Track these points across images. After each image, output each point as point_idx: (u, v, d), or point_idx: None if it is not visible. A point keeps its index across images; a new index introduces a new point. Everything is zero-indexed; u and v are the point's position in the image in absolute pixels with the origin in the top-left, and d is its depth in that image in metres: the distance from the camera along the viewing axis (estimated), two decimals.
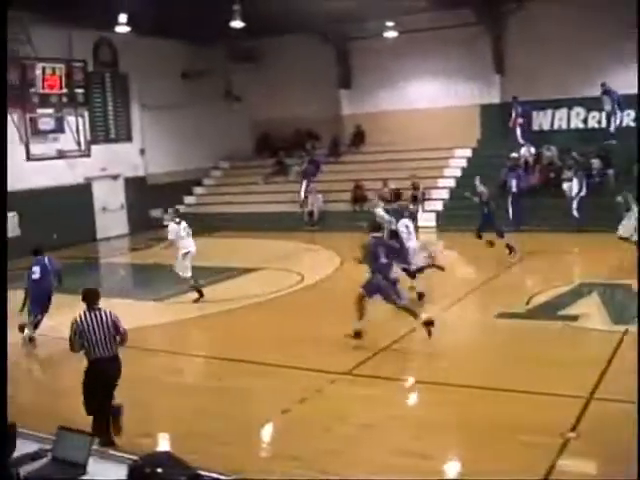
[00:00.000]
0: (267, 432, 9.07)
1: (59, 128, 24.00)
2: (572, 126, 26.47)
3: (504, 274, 17.26)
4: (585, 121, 26.24)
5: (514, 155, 24.74)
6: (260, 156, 32.12)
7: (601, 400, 8.99)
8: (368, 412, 9.20)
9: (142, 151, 28.76)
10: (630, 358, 9.55)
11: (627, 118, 25.03)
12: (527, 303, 14.08)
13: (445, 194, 25.90)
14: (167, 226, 17.00)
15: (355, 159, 29.44)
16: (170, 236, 16.37)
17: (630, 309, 12.59)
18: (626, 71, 23.51)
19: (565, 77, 25.17)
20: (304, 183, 27.57)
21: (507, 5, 26.27)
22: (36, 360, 13.13)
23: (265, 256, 21.17)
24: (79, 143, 23.27)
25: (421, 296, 14.77)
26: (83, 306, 8.51)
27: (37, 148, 22.64)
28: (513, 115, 26.30)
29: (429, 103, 28.49)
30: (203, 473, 4.61)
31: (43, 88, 22.35)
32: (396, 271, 13.09)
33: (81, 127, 23.32)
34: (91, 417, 8.19)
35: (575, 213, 21.81)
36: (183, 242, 16.26)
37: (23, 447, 5.12)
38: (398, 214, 15.81)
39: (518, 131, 26.23)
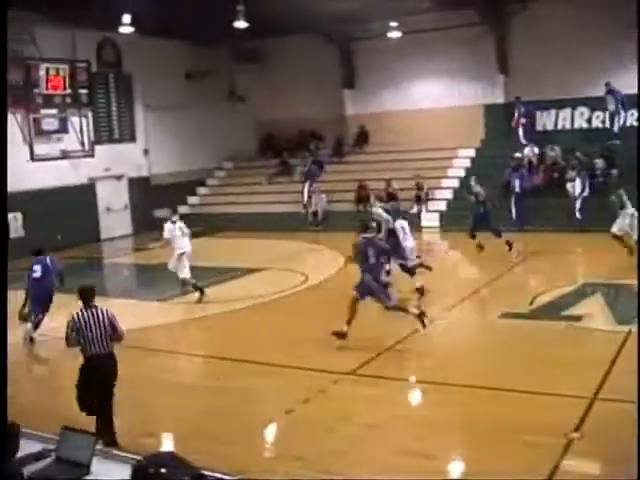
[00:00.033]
0: (271, 432, 9.07)
1: (63, 128, 24.03)
2: (576, 126, 26.44)
3: (507, 274, 17.24)
4: (589, 121, 26.20)
5: (517, 155, 24.74)
6: (264, 156, 32.13)
7: (605, 400, 8.98)
8: (372, 412, 9.20)
9: (146, 151, 28.78)
10: (634, 358, 9.52)
11: (631, 118, 25.02)
12: (531, 303, 14.06)
13: (449, 194, 25.88)
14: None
15: (359, 159, 29.42)
16: (165, 235, 16.54)
17: (634, 309, 12.56)
18: (629, 71, 23.47)
19: (569, 77, 25.14)
20: (307, 184, 27.56)
21: (511, 5, 26.25)
22: (39, 360, 13.16)
23: (269, 256, 21.17)
24: (83, 143, 23.34)
25: (421, 291, 14.88)
26: None
27: (41, 148, 22.69)
28: (516, 115, 26.31)
29: (433, 103, 28.48)
30: (207, 473, 4.61)
31: (47, 88, 22.43)
32: (391, 271, 13.26)
33: (85, 127, 23.38)
34: (93, 417, 8.26)
35: (577, 214, 21.75)
36: (178, 242, 16.38)
37: (27, 447, 5.12)
38: (397, 214, 15.87)
39: (520, 131, 26.23)
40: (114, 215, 27.16)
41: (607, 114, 25.21)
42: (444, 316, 13.95)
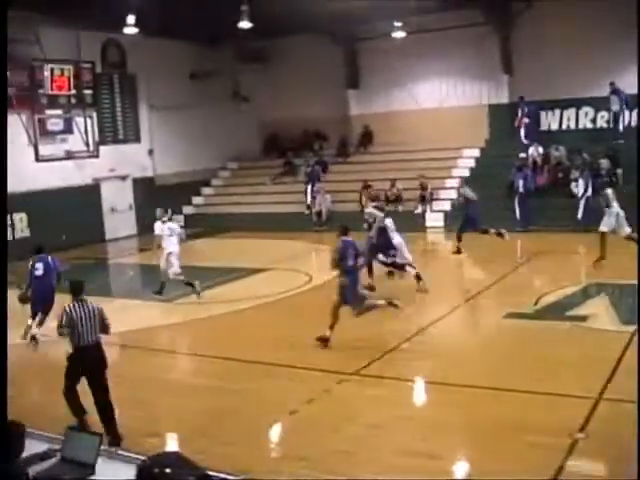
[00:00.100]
0: (275, 432, 9.07)
1: (67, 129, 24.08)
2: (580, 126, 26.42)
3: (512, 274, 17.21)
4: (594, 121, 26.17)
5: (522, 155, 24.76)
6: (268, 157, 32.16)
7: (610, 400, 8.97)
8: (376, 412, 9.20)
9: (150, 152, 28.82)
10: None
11: (636, 118, 24.96)
12: (535, 303, 14.04)
13: (453, 194, 25.78)
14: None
15: (363, 159, 29.42)
16: (156, 231, 16.74)
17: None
18: (629, 72, 23.44)
19: (573, 77, 25.11)
20: (310, 185, 27.56)
21: (515, 5, 26.23)
22: (43, 360, 13.15)
23: (273, 256, 21.18)
24: (87, 144, 23.38)
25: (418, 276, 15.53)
26: None
27: (46, 149, 22.75)
28: (519, 115, 26.30)
29: (437, 103, 28.50)
30: (212, 473, 4.62)
31: (52, 89, 22.48)
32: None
33: (89, 128, 23.43)
34: (98, 418, 8.44)
35: (580, 214, 21.67)
36: (166, 242, 16.49)
37: (32, 447, 5.13)
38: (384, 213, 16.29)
39: (522, 131, 26.22)
40: (119, 215, 27.20)
41: (611, 114, 25.17)
42: (449, 316, 13.94)
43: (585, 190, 22.05)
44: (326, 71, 29.62)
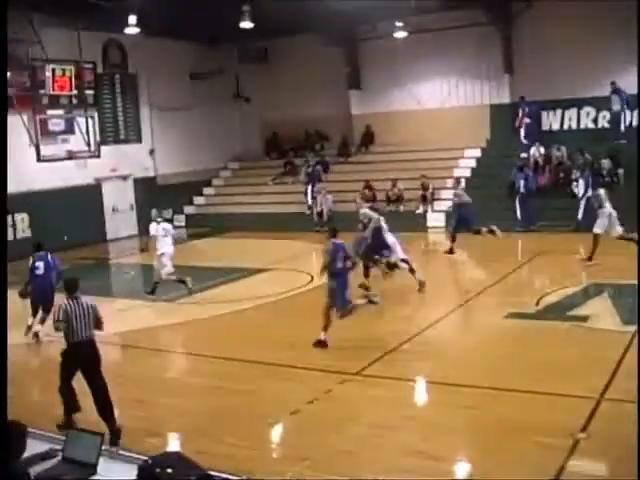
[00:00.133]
0: (277, 432, 9.07)
1: (69, 129, 24.09)
2: (582, 126, 26.38)
3: (513, 274, 17.21)
4: (595, 121, 26.14)
5: (524, 155, 24.77)
6: (269, 157, 32.17)
7: (611, 400, 8.97)
8: (378, 412, 9.20)
9: (152, 152, 28.83)
10: None
11: (637, 118, 24.94)
12: (537, 303, 14.04)
13: None
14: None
15: (364, 159, 29.41)
16: (151, 232, 16.90)
17: None
18: (633, 71, 23.41)
19: (575, 77, 25.09)
20: (310, 186, 27.56)
21: (516, 5, 26.23)
22: (45, 360, 13.16)
23: (275, 256, 21.18)
24: (89, 144, 23.36)
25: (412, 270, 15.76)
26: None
27: (47, 149, 22.73)
28: (520, 115, 26.29)
29: (439, 103, 28.48)
30: (213, 473, 4.62)
31: (53, 89, 22.47)
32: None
33: (91, 128, 23.41)
34: (99, 418, 8.49)
35: (580, 214, 21.60)
36: (159, 242, 16.60)
37: (33, 447, 5.13)
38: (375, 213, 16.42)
39: (522, 131, 26.20)
40: (120, 215, 27.20)
41: (612, 114, 25.12)
42: (450, 316, 13.94)
43: (585, 190, 21.99)
44: (327, 71, 29.59)
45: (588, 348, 11.32)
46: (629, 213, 17.79)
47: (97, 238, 25.83)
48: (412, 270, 15.83)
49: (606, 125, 25.70)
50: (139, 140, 28.54)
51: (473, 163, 26.85)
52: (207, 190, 31.42)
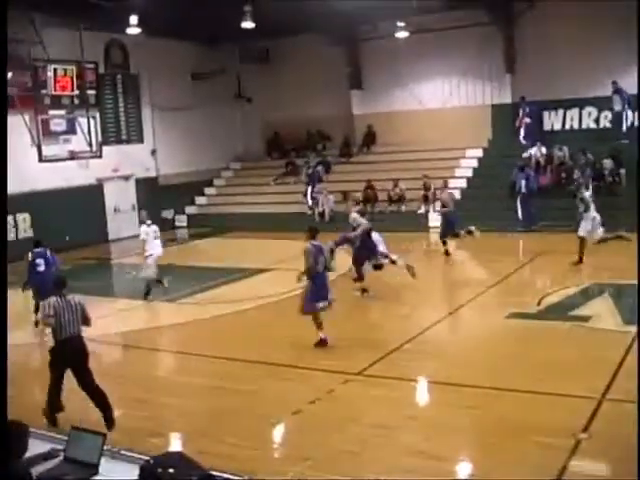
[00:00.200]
0: (279, 433, 9.07)
1: (71, 129, 24.08)
2: (584, 126, 26.37)
3: (515, 274, 17.21)
4: (597, 121, 26.13)
5: (525, 155, 24.78)
6: (271, 157, 32.17)
7: (613, 401, 8.97)
8: (380, 413, 9.20)
9: (153, 152, 28.84)
10: None
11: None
12: (538, 304, 14.04)
13: (456, 194, 25.80)
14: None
15: (366, 159, 29.42)
16: (141, 236, 16.94)
17: None
18: (634, 71, 23.41)
19: (576, 76, 25.08)
20: (310, 186, 27.57)
21: (518, 5, 26.23)
22: (44, 361, 13.14)
23: (277, 256, 21.17)
24: (90, 144, 23.35)
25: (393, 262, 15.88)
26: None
27: (49, 149, 22.73)
28: (520, 115, 26.28)
29: (440, 103, 28.49)
30: (215, 473, 4.62)
31: (55, 89, 22.45)
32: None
33: (92, 128, 23.40)
34: (99, 418, 8.60)
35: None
36: (149, 244, 16.71)
37: (35, 447, 5.14)
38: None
39: (522, 131, 26.19)
40: (122, 216, 27.20)
41: (614, 114, 25.11)
42: (451, 316, 13.94)
43: (585, 191, 21.96)
44: (329, 71, 29.60)
45: (589, 348, 11.32)
46: (631, 212, 17.80)
47: (99, 238, 25.83)
48: (393, 262, 15.95)
49: (608, 125, 25.70)
50: (141, 140, 28.55)
51: (475, 163, 26.86)
52: (209, 190, 31.44)
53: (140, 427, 8.88)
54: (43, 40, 21.77)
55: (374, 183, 26.55)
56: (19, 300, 14.27)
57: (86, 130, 23.25)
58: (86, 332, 9.29)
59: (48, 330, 9.47)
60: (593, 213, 17.36)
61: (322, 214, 26.61)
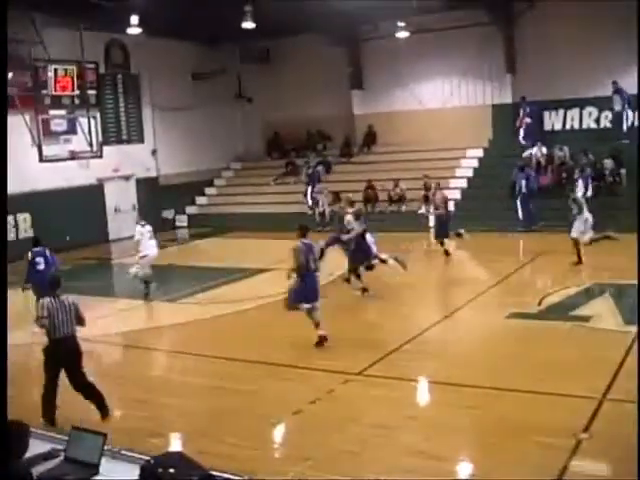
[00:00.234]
0: (279, 432, 9.07)
1: (71, 129, 24.08)
2: (584, 126, 26.37)
3: (515, 275, 17.22)
4: (597, 121, 26.12)
5: (526, 154, 24.80)
6: (271, 157, 32.17)
7: (614, 401, 8.97)
8: (380, 413, 9.20)
9: (154, 152, 28.84)
10: None
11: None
12: (539, 304, 14.05)
13: (457, 194, 25.85)
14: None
15: (367, 159, 29.42)
16: (136, 237, 17.02)
17: None
18: (634, 71, 23.41)
19: (577, 76, 25.08)
20: (310, 187, 27.56)
21: (518, 5, 26.23)
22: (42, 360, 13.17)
23: (277, 257, 21.06)
24: (91, 144, 23.36)
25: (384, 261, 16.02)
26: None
27: (49, 149, 22.74)
28: (520, 115, 26.28)
29: (441, 103, 28.50)
30: (215, 473, 4.62)
31: (55, 90, 22.45)
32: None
33: (93, 128, 23.40)
34: (100, 417, 8.75)
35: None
36: (144, 244, 16.80)
37: (36, 447, 5.14)
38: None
39: (521, 131, 26.18)
40: (122, 216, 27.18)
41: (614, 114, 25.10)
42: (452, 317, 13.94)
43: (585, 191, 22.00)
44: (329, 71, 29.59)
45: (590, 348, 11.32)
46: (632, 212, 17.79)
47: (99, 238, 25.83)
48: (384, 261, 16.05)
49: (608, 125, 25.70)
50: (141, 140, 28.55)
51: (475, 163, 26.86)
52: (209, 190, 31.44)
53: (140, 427, 8.88)
54: (43, 40, 21.77)
55: (374, 183, 26.56)
56: (19, 300, 14.27)
57: (86, 130, 23.25)
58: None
59: (36, 329, 9.49)
60: (586, 214, 17.40)
61: (322, 214, 26.59)
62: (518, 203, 23.03)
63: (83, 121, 23.56)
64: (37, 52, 21.84)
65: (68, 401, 9.22)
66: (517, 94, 26.86)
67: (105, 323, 14.73)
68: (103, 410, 9.05)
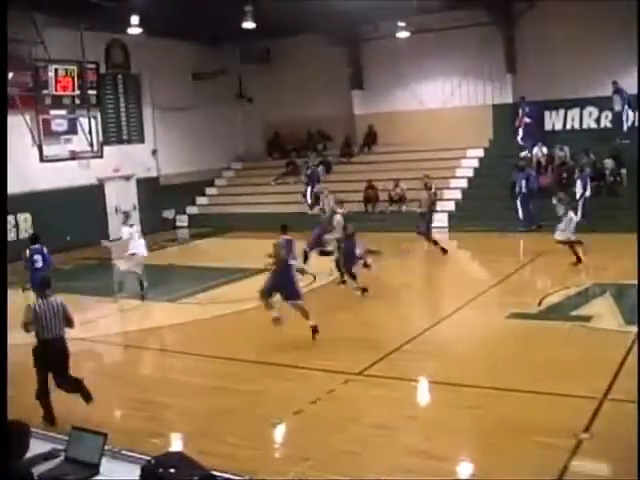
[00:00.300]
0: (279, 432, 9.07)
1: (72, 129, 24.07)
2: (585, 126, 26.37)
3: (516, 275, 17.22)
4: (598, 121, 26.12)
5: (523, 154, 24.81)
6: (272, 157, 32.16)
7: (614, 401, 8.96)
8: (380, 413, 9.20)
9: (154, 152, 28.84)
10: None
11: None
12: (539, 304, 14.05)
13: (457, 194, 25.85)
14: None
15: (367, 159, 29.42)
16: (124, 237, 17.27)
17: None
18: (634, 71, 23.41)
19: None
20: (309, 187, 27.56)
21: (518, 5, 26.23)
22: None
23: None
24: (92, 144, 23.35)
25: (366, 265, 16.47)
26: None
27: (50, 149, 22.73)
28: (520, 115, 26.28)
29: (441, 103, 28.50)
30: (216, 473, 4.63)
31: (56, 90, 22.44)
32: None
33: (93, 128, 23.40)
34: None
35: (579, 215, 21.52)
36: (133, 244, 17.02)
37: (36, 447, 5.14)
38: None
39: (520, 132, 26.17)
40: (123, 216, 27.17)
41: (614, 113, 25.09)
42: (452, 316, 13.94)
43: (584, 191, 21.99)
44: (330, 71, 29.59)
45: (590, 348, 11.32)
46: (632, 212, 17.79)
47: (100, 238, 25.75)
48: (367, 265, 16.46)
49: (609, 125, 25.70)
50: (142, 140, 28.55)
51: (475, 163, 26.86)
52: (210, 190, 31.43)
53: (141, 427, 8.88)
54: (44, 40, 21.76)
55: (375, 183, 26.56)
56: (19, 300, 14.24)
57: (87, 130, 23.25)
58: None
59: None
60: (571, 214, 17.46)
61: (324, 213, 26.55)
62: (518, 203, 23.03)
63: (84, 121, 23.56)
64: (38, 52, 21.83)
65: (68, 401, 9.24)
66: (517, 94, 26.84)
67: (105, 323, 14.75)
68: (87, 397, 9.22)
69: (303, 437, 8.66)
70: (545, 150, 25.18)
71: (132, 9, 21.92)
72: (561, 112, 26.62)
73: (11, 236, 22.31)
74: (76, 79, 22.97)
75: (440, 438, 8.32)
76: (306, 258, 18.17)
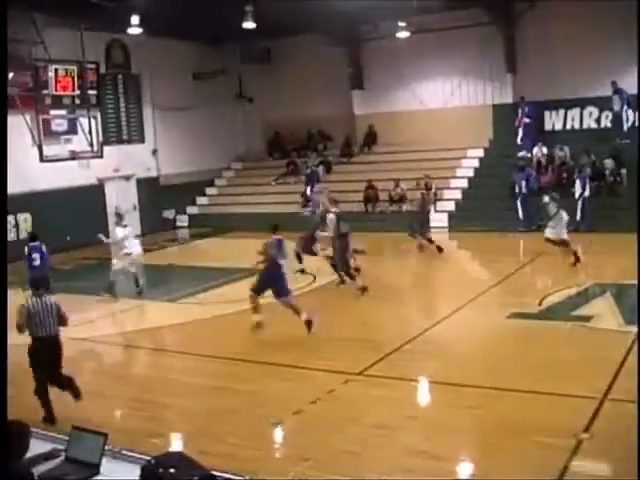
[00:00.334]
0: (279, 433, 9.06)
1: (72, 129, 24.07)
2: (585, 126, 26.37)
3: (516, 275, 17.21)
4: (598, 121, 26.12)
5: (522, 154, 24.82)
6: (272, 157, 32.16)
7: (614, 401, 8.96)
8: (380, 413, 9.20)
9: (154, 152, 28.84)
10: None
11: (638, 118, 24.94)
12: (539, 304, 14.04)
13: (457, 194, 25.86)
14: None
15: (367, 159, 29.42)
16: (119, 236, 17.31)
17: None
18: (634, 72, 23.41)
19: (577, 76, 25.09)
20: (309, 187, 27.56)
21: (518, 5, 26.23)
22: None
23: None
24: (92, 144, 23.35)
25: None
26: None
27: (50, 149, 22.74)
28: (519, 115, 26.28)
29: (441, 103, 28.50)
30: (216, 473, 4.63)
31: (56, 90, 22.44)
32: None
33: (93, 128, 23.40)
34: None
35: (578, 215, 21.54)
36: (130, 242, 17.26)
37: (37, 447, 5.14)
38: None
39: (520, 132, 26.17)
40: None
41: (614, 113, 25.09)
42: (452, 316, 13.93)
43: (583, 191, 21.98)
44: (330, 71, 29.59)
45: (591, 348, 11.32)
46: (632, 212, 17.78)
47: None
48: (357, 269, 16.47)
49: (609, 125, 25.69)
50: (142, 140, 28.55)
51: (476, 163, 26.86)
52: (210, 190, 31.44)
53: (141, 427, 8.88)
54: (44, 40, 21.76)
55: (375, 183, 26.55)
56: (19, 300, 14.21)
57: (87, 130, 23.25)
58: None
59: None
60: (563, 214, 17.47)
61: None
62: (518, 203, 23.04)
63: (84, 121, 23.56)
64: (38, 52, 21.83)
65: (68, 401, 9.24)
66: (518, 94, 26.85)
67: (105, 323, 14.76)
68: (77, 395, 9.33)
69: (303, 437, 8.66)
70: (545, 150, 25.19)
71: (132, 9, 21.92)
72: (561, 112, 26.62)
73: (11, 236, 22.32)
74: (76, 79, 22.97)
75: (440, 438, 8.32)
76: (300, 259, 18.18)
